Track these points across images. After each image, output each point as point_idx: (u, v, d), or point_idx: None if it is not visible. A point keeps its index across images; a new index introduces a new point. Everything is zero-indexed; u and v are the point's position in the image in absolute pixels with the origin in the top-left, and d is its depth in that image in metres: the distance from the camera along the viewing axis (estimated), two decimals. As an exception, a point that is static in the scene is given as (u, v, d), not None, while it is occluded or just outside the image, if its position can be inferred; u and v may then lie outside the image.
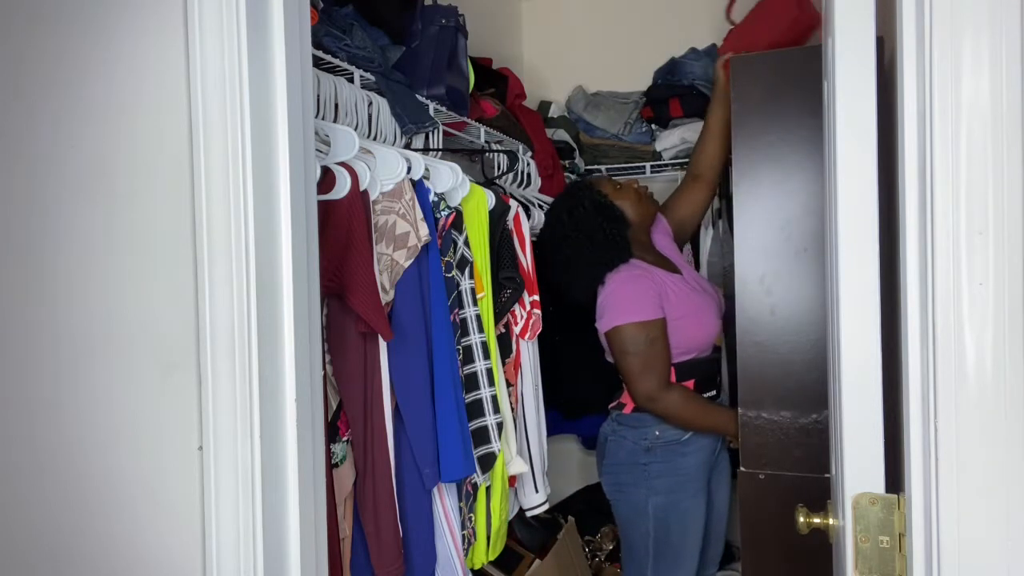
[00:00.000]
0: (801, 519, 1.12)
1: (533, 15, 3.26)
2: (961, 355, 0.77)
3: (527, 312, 1.87)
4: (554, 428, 2.55)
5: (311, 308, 1.04)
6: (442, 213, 1.58)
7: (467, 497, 1.65)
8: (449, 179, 1.61)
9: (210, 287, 0.96)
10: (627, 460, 1.98)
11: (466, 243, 1.64)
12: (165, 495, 1.00)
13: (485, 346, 1.66)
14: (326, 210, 1.32)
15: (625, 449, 1.98)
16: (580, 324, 2.47)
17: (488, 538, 1.71)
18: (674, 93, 2.79)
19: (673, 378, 1.93)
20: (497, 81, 2.43)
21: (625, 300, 1.90)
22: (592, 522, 2.72)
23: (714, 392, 2.04)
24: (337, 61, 1.58)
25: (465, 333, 1.63)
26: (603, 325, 1.93)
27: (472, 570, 1.70)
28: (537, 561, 2.35)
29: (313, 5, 1.45)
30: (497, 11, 3.05)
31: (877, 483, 0.92)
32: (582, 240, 1.94)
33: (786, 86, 1.91)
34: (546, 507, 1.98)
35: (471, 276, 1.64)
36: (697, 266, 2.75)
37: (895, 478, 0.92)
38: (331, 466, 1.37)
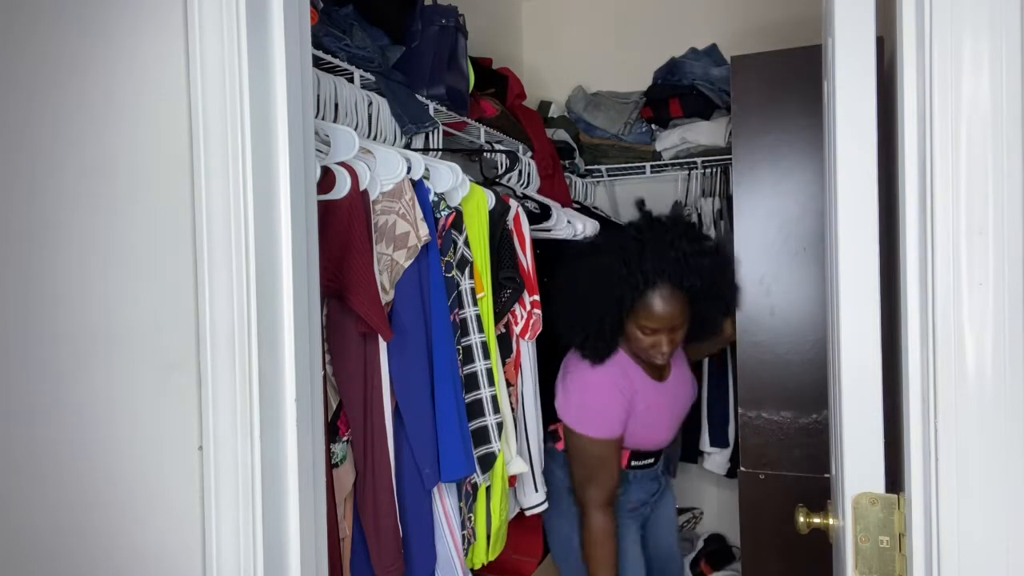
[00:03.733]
0: (801, 519, 1.12)
1: (533, 15, 3.26)
2: (961, 355, 0.77)
3: (527, 312, 1.87)
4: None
5: (311, 308, 1.04)
6: (442, 213, 1.58)
7: (467, 497, 1.65)
8: (449, 179, 1.61)
9: (210, 287, 0.96)
10: (553, 493, 1.96)
11: (466, 243, 1.64)
12: (165, 495, 1.00)
13: (485, 346, 1.66)
14: (326, 210, 1.32)
15: (552, 484, 1.96)
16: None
17: (488, 538, 1.71)
18: (674, 93, 2.79)
19: None
20: (497, 81, 2.43)
21: (592, 410, 1.81)
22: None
23: (651, 461, 1.94)
24: (337, 61, 1.58)
25: (465, 333, 1.63)
26: (564, 415, 1.85)
27: (472, 570, 1.70)
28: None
29: (313, 5, 1.45)
30: (497, 11, 3.05)
31: (877, 483, 0.92)
32: (589, 300, 1.76)
33: (786, 86, 1.92)
34: (546, 506, 1.98)
35: (471, 276, 1.64)
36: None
37: (895, 478, 0.92)
38: (331, 466, 1.37)
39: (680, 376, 1.94)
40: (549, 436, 1.98)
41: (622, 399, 1.78)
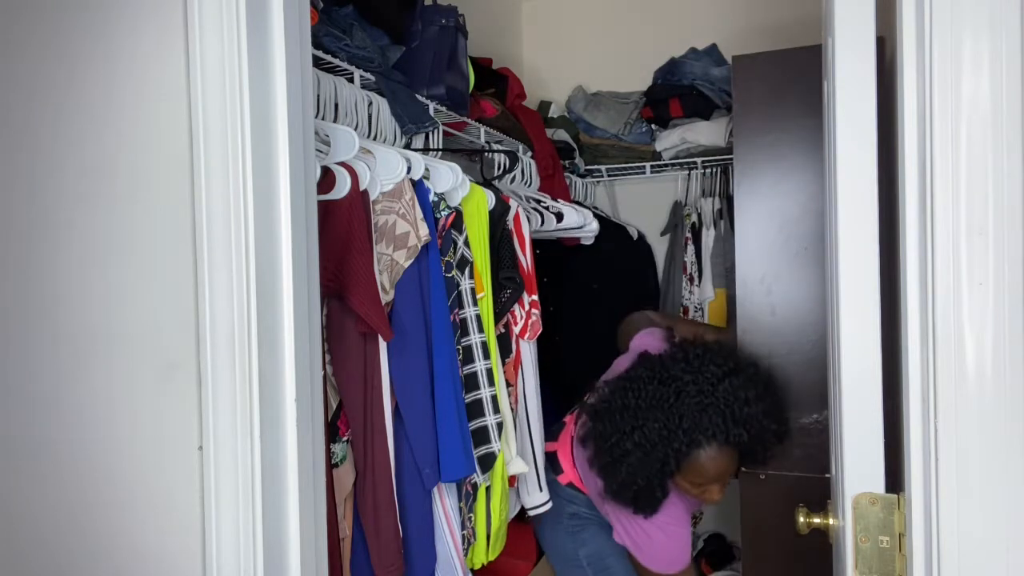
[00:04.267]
0: (801, 519, 1.12)
1: (533, 15, 3.26)
2: (961, 355, 0.77)
3: (527, 312, 1.87)
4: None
5: (311, 308, 1.04)
6: (442, 213, 1.58)
7: (467, 497, 1.65)
8: (449, 179, 1.61)
9: (210, 287, 0.96)
10: (552, 513, 1.92)
11: (466, 243, 1.64)
12: (165, 495, 1.00)
13: (485, 346, 1.66)
14: (326, 210, 1.32)
15: (552, 508, 1.92)
16: (581, 325, 2.47)
17: (488, 538, 1.71)
18: (674, 93, 2.79)
19: None
20: (497, 81, 2.43)
21: (674, 550, 1.70)
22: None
23: None
24: (337, 61, 1.58)
25: (465, 333, 1.63)
26: (644, 562, 1.72)
27: (472, 570, 1.70)
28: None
29: (313, 5, 1.45)
30: (497, 11, 3.05)
31: (877, 483, 0.92)
32: (632, 463, 1.56)
33: (786, 86, 1.92)
34: (550, 506, 1.98)
35: (471, 276, 1.64)
36: (700, 267, 2.75)
37: (895, 478, 0.92)
38: (331, 466, 1.37)
39: None
40: (549, 464, 1.94)
41: (688, 529, 1.70)
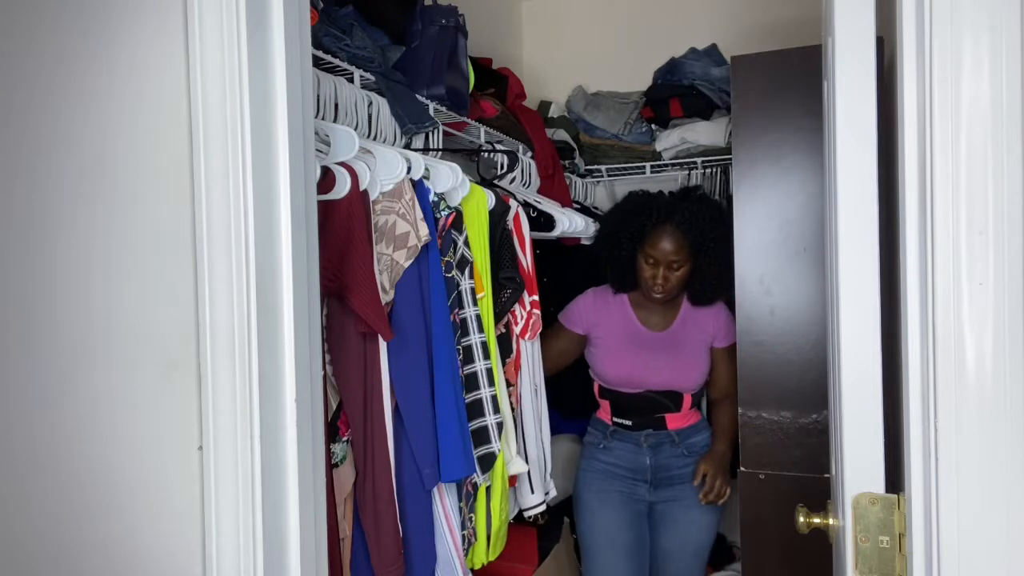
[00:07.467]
0: (801, 519, 1.12)
1: (533, 15, 3.26)
2: (961, 355, 0.77)
3: (527, 312, 1.87)
4: (554, 428, 2.55)
5: (311, 308, 1.04)
6: (442, 213, 1.58)
7: (467, 497, 1.65)
8: (449, 179, 1.61)
9: (210, 287, 0.96)
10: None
11: (466, 243, 1.64)
12: (165, 495, 1.00)
13: (485, 346, 1.66)
14: (326, 210, 1.32)
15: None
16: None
17: (488, 538, 1.71)
18: (674, 93, 2.79)
19: (596, 390, 2.26)
20: (497, 81, 2.43)
21: (573, 302, 2.27)
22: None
23: (629, 423, 2.19)
24: (337, 61, 1.58)
25: (465, 333, 1.63)
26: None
27: (472, 570, 1.70)
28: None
29: (313, 5, 1.45)
30: (497, 11, 3.05)
31: (877, 483, 0.92)
32: (606, 247, 2.21)
33: (786, 86, 1.91)
34: (544, 507, 1.98)
35: (471, 276, 1.64)
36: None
37: (895, 478, 0.92)
38: (331, 466, 1.37)
39: (675, 355, 2.16)
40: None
41: (589, 308, 2.22)
